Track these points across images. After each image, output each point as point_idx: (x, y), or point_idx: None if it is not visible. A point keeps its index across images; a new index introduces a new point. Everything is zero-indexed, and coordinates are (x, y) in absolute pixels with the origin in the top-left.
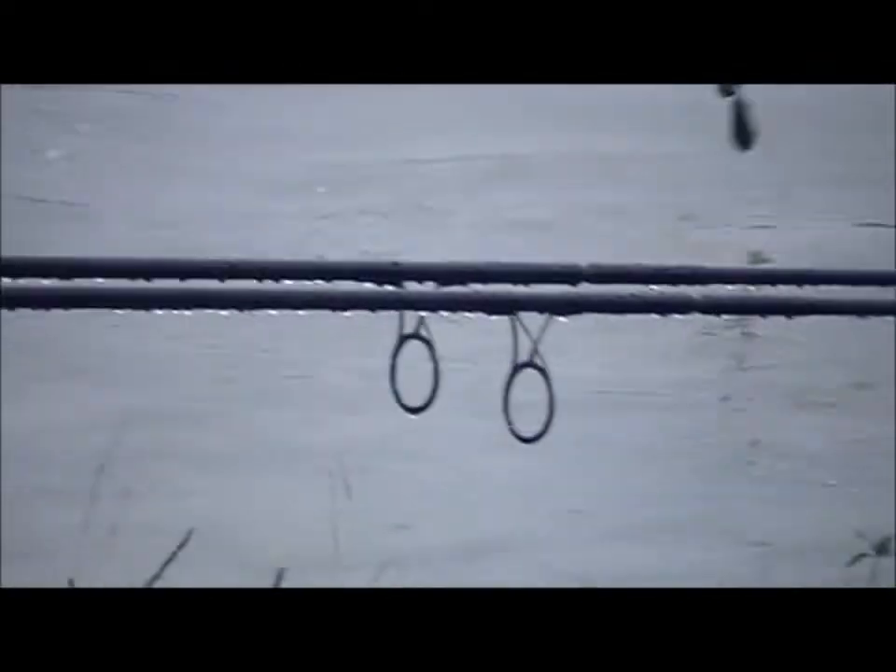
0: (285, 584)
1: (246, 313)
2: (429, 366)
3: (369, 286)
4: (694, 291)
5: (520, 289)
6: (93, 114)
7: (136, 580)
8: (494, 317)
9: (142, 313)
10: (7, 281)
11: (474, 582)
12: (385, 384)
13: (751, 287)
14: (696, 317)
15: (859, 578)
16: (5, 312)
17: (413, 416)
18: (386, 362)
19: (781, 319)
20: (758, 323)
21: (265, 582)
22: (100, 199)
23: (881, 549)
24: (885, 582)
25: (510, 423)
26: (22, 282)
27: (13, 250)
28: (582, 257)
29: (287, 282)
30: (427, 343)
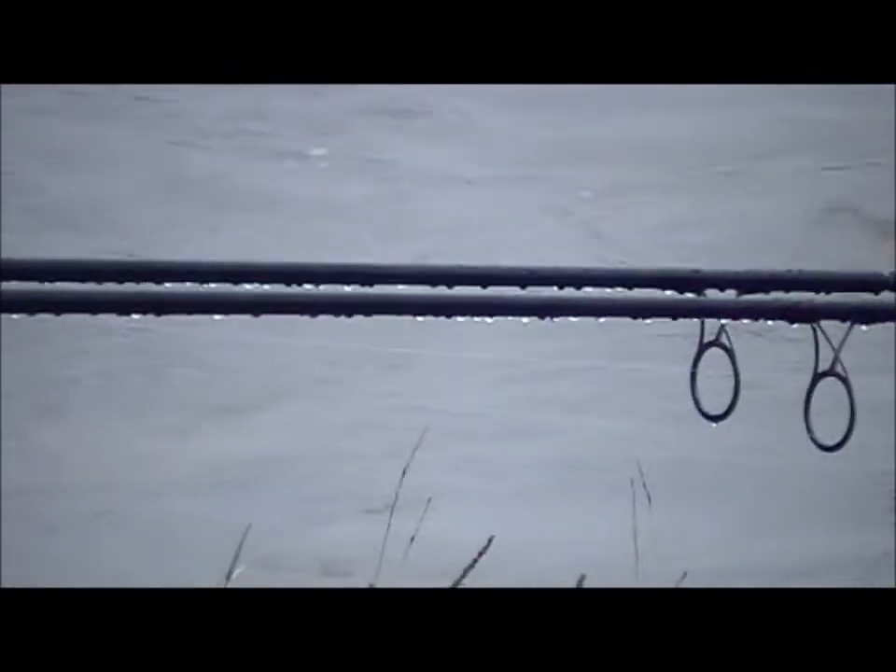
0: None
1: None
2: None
3: (670, 293)
4: None
5: (822, 297)
6: None
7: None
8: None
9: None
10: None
11: None
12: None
13: None
14: None
15: None
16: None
17: (713, 424)
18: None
19: None
20: None
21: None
22: None
23: None
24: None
25: (810, 431)
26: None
27: None
28: None
29: (588, 289)
30: (729, 351)
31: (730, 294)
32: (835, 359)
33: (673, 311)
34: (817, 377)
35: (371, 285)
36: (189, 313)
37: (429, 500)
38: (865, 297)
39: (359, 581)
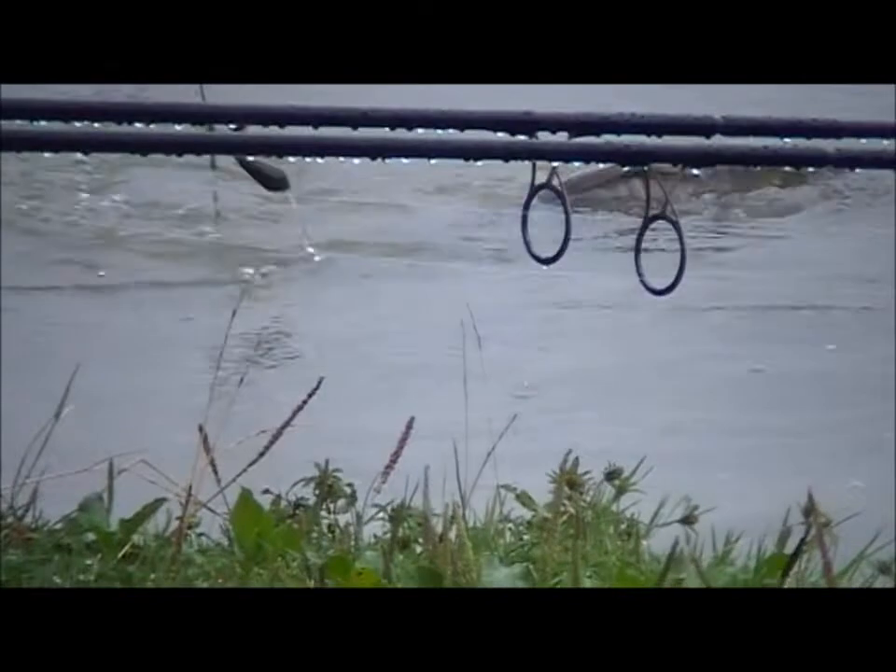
0: None
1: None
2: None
3: (502, 135)
4: (829, 145)
5: (653, 141)
6: None
7: None
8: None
9: None
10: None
11: None
12: None
13: (885, 141)
14: None
15: None
16: None
17: (544, 267)
18: None
19: None
20: None
21: None
22: None
23: None
24: None
25: (641, 274)
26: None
27: None
28: None
29: (420, 130)
30: (560, 193)
31: (562, 136)
32: (666, 202)
33: (505, 153)
34: (648, 220)
35: (203, 125)
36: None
37: None
38: (697, 140)
39: None
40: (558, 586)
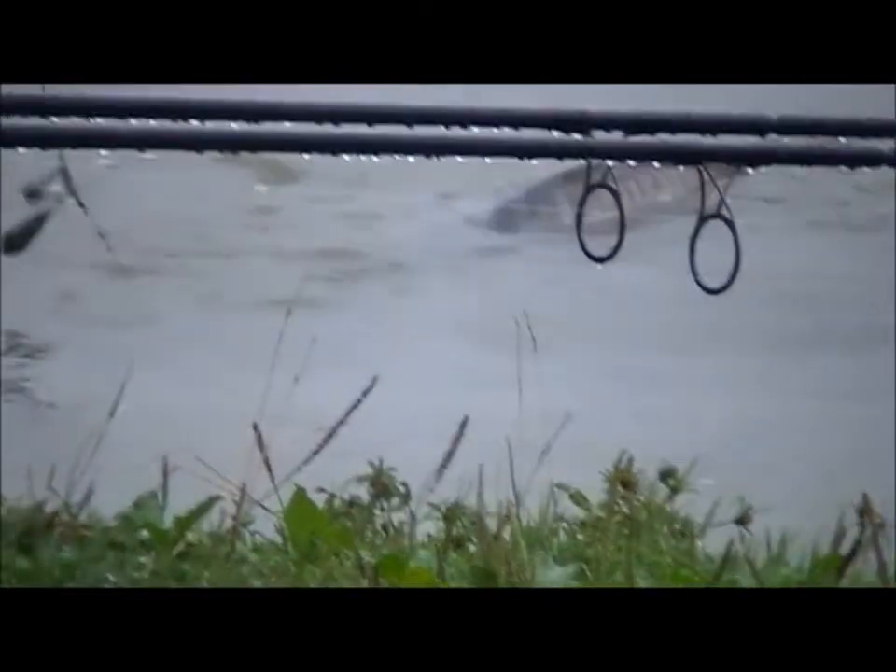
0: None
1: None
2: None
3: (556, 134)
4: (884, 144)
5: (708, 140)
6: None
7: None
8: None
9: None
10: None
11: None
12: None
13: None
14: None
15: None
16: None
17: (599, 266)
18: None
19: None
20: None
21: None
22: None
23: None
24: None
25: (695, 273)
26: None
27: None
28: None
29: (475, 129)
30: (614, 192)
31: (617, 135)
32: (721, 201)
33: (560, 151)
34: (702, 219)
35: (257, 122)
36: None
37: None
38: (751, 140)
39: None
40: (612, 586)
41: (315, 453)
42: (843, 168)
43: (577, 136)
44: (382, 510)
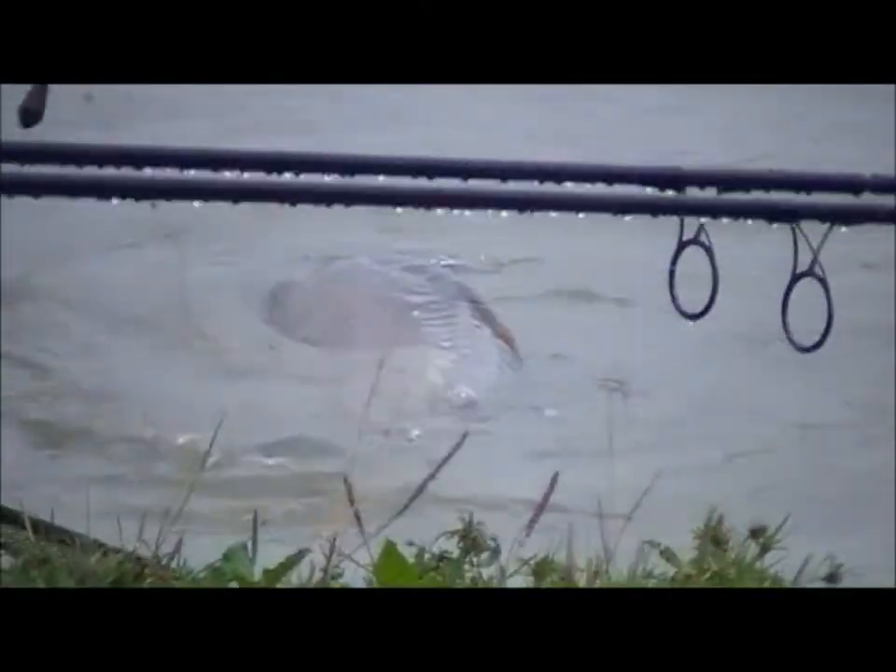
0: None
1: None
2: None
3: (650, 190)
4: None
5: (802, 197)
6: None
7: None
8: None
9: None
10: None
11: None
12: None
13: None
14: None
15: None
16: None
17: (691, 323)
18: None
19: None
20: None
21: None
22: None
23: None
24: None
25: (787, 332)
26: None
27: None
28: None
29: (568, 184)
30: (708, 249)
31: (710, 192)
32: (814, 260)
33: (653, 207)
34: (795, 277)
35: (351, 175)
36: (169, 198)
37: None
38: (846, 198)
39: None
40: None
41: (406, 507)
42: None
43: (670, 193)
44: (472, 564)
